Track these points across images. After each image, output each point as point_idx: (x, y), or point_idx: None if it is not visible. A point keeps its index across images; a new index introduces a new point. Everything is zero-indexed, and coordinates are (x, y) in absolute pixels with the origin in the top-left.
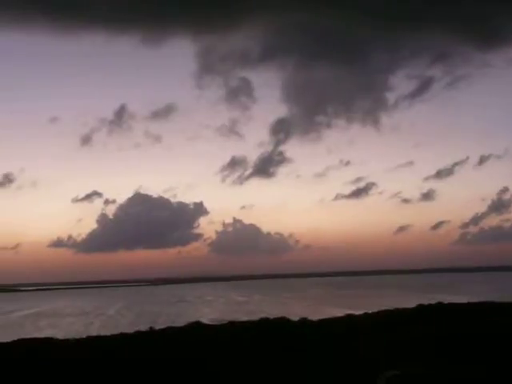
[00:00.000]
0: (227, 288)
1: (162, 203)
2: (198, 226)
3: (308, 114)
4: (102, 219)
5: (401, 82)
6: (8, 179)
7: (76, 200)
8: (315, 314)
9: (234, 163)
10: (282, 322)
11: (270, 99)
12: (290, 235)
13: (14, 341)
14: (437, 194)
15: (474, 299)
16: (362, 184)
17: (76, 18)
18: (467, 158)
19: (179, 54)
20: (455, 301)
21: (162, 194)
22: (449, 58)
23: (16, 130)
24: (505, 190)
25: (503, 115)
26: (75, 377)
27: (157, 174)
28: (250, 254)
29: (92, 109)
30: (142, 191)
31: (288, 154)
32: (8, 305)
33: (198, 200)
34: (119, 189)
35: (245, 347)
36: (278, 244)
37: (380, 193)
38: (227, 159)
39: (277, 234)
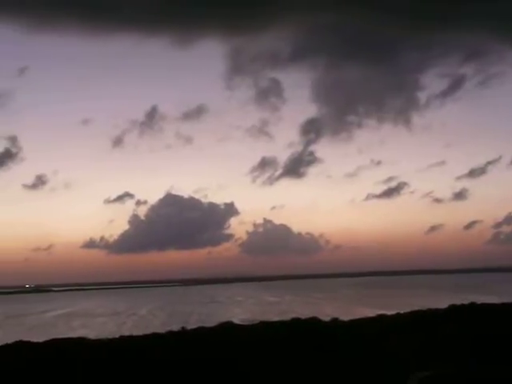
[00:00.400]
0: (258, 288)
1: (192, 204)
2: (229, 226)
3: (338, 113)
4: (134, 220)
5: (432, 81)
6: (41, 181)
7: (108, 201)
8: (346, 315)
9: (265, 164)
10: (314, 323)
11: (299, 99)
12: (321, 235)
13: (47, 341)
14: (469, 194)
15: (508, 299)
16: (393, 184)
17: (107, 20)
18: (500, 157)
19: (209, 55)
20: (488, 301)
21: (192, 195)
22: (481, 56)
23: (49, 132)
24: None
25: None
26: (107, 377)
27: (188, 175)
28: (281, 255)
29: (123, 110)
30: (173, 192)
31: (318, 154)
32: (41, 305)
33: (228, 200)
34: (150, 190)
35: (276, 347)
36: (308, 244)
37: (412, 192)
38: (257, 160)
39: (307, 234)
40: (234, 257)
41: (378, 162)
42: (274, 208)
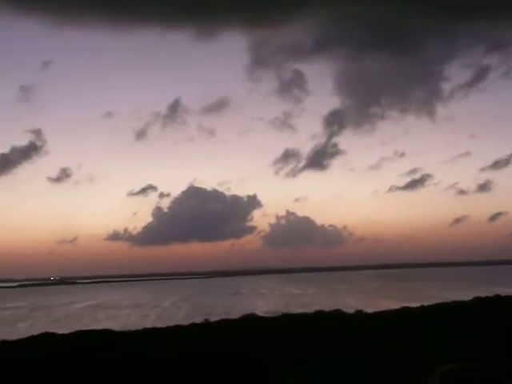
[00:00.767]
0: (281, 281)
1: (215, 196)
2: (252, 218)
3: (361, 105)
4: (157, 212)
5: (456, 72)
6: (65, 174)
7: (131, 194)
8: (370, 307)
9: (288, 156)
10: (337, 315)
11: (322, 91)
12: (344, 227)
13: (73, 332)
14: (494, 185)
15: None
16: (417, 175)
17: (130, 14)
18: None
19: (232, 47)
20: None
21: (215, 187)
22: (505, 47)
23: (73, 125)
24: None
25: None
26: (130, 368)
27: (210, 168)
28: (304, 247)
29: (146, 103)
30: (196, 184)
31: (341, 146)
32: (66, 297)
33: (251, 193)
34: (173, 182)
35: (299, 339)
36: (332, 236)
37: (436, 184)
38: (280, 152)
39: (331, 226)
40: (257, 249)
41: (402, 154)
42: (297, 200)
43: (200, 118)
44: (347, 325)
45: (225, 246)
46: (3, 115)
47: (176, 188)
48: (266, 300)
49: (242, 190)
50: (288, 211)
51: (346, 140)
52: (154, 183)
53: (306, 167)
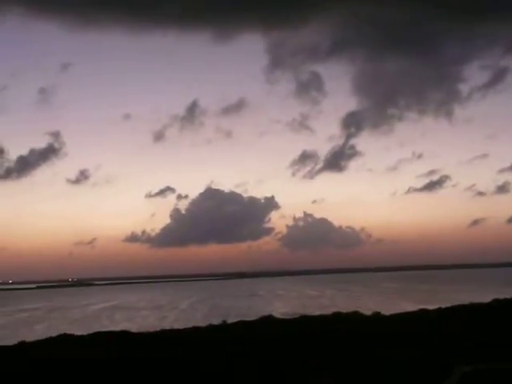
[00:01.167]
0: (298, 282)
1: (233, 198)
2: (269, 220)
3: (379, 106)
4: (175, 214)
5: (474, 73)
6: (84, 176)
7: (149, 195)
8: (388, 309)
9: (305, 157)
10: (355, 316)
11: (340, 93)
12: (362, 229)
13: (91, 334)
14: None
15: None
16: (435, 177)
17: (148, 17)
18: None
19: (249, 49)
20: None
21: (233, 189)
22: None
23: (91, 127)
24: None
25: None
26: (148, 368)
27: (228, 169)
28: (322, 249)
29: (164, 105)
30: (214, 186)
31: (359, 148)
32: (84, 299)
33: (269, 194)
34: (191, 184)
35: (317, 341)
36: (349, 238)
37: (454, 186)
38: (298, 153)
39: (348, 228)
40: (275, 251)
41: (420, 155)
42: (314, 202)
43: (218, 119)
44: (365, 326)
45: (242, 247)
46: (22, 117)
47: (194, 190)
48: (283, 302)
49: (260, 192)
50: (305, 213)
51: (363, 141)
52: (171, 185)
53: (323, 169)
